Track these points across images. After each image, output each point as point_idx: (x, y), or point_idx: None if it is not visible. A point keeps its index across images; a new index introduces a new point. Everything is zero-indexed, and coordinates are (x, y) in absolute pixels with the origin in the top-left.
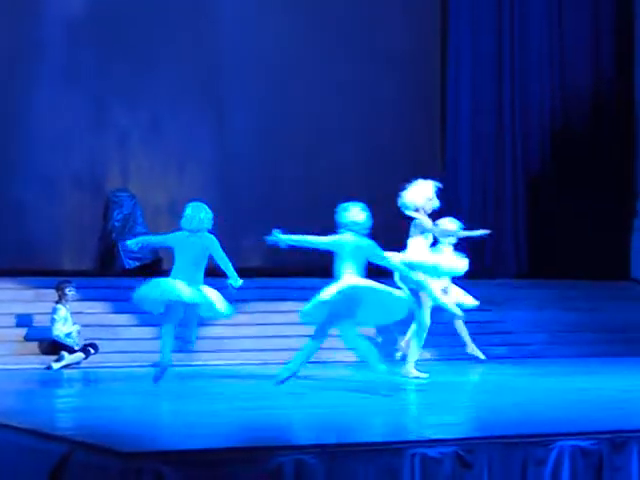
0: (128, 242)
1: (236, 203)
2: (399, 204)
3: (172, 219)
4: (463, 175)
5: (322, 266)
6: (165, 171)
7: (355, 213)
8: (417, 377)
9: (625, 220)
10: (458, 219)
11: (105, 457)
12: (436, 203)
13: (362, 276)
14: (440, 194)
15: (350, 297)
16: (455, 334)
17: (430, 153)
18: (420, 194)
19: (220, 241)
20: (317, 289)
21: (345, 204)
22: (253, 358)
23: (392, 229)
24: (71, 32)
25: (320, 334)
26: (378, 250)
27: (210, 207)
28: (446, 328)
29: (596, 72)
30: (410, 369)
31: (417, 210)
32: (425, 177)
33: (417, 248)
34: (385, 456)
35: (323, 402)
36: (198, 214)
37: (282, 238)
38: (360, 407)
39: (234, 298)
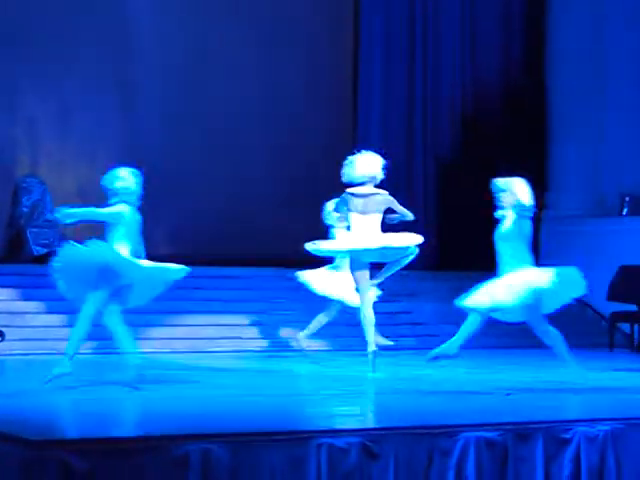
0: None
1: (146, 190)
2: (346, 179)
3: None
4: None
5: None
6: (75, 158)
7: (127, 179)
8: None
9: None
10: None
11: (12, 445)
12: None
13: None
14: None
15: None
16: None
17: (341, 139)
18: (375, 164)
19: None
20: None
21: (114, 170)
22: (164, 346)
23: (299, 215)
24: None
25: None
26: None
27: None
28: (352, 318)
29: (507, 62)
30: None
31: (370, 182)
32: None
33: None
34: (291, 445)
35: (229, 391)
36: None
37: (66, 212)
38: (268, 396)
39: None
